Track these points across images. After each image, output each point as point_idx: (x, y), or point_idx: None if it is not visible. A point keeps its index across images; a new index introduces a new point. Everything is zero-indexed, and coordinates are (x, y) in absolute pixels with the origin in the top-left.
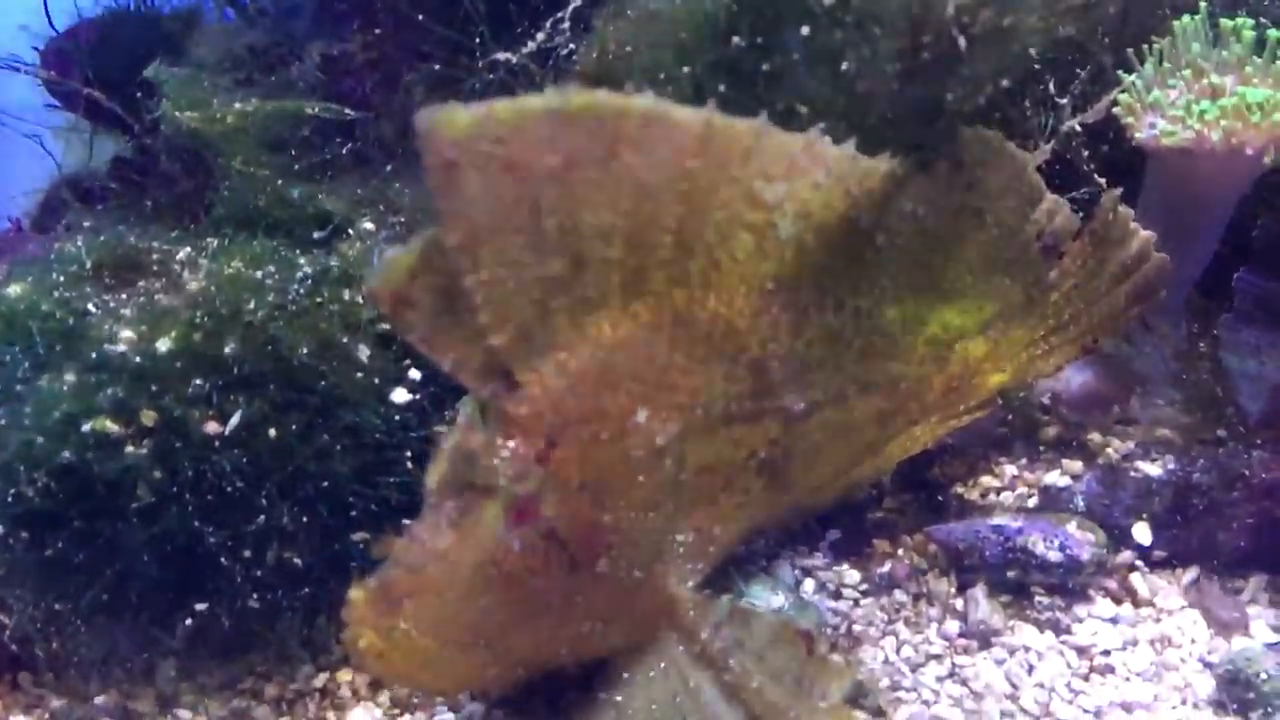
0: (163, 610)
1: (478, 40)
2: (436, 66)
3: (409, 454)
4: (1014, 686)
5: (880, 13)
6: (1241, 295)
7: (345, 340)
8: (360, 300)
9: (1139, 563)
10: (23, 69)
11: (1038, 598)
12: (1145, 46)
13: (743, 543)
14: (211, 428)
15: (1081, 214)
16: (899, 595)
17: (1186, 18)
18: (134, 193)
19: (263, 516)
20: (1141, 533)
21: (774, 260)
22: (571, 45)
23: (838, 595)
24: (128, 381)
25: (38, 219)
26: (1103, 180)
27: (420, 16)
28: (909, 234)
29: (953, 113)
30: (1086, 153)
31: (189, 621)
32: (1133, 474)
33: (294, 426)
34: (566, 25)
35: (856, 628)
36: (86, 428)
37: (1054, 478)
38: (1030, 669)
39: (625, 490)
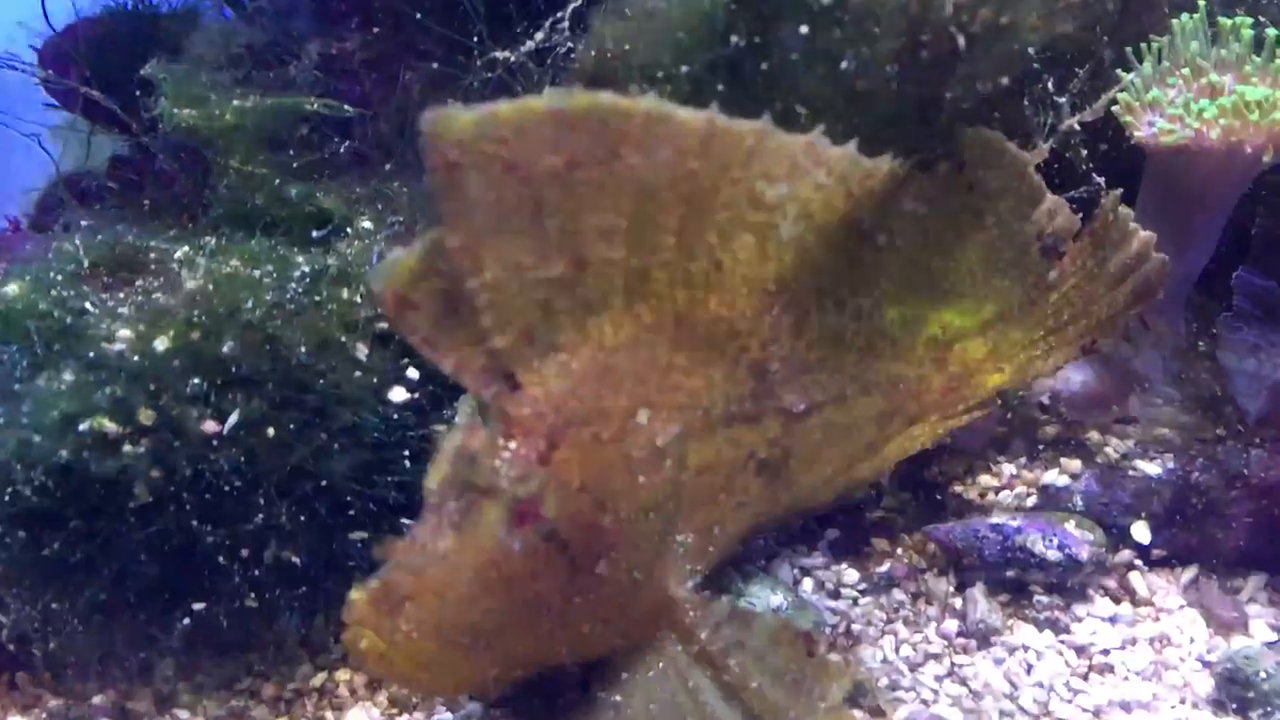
0: (160, 609)
1: (476, 39)
2: (435, 65)
3: (407, 453)
4: (1013, 686)
5: (879, 11)
6: (1240, 294)
7: (343, 339)
8: (358, 299)
9: (1138, 562)
10: (20, 68)
11: (1036, 597)
12: (1144, 45)
13: (742, 542)
14: (209, 427)
15: (1080, 213)
16: (898, 594)
17: (1185, 16)
18: (132, 192)
19: (261, 515)
20: (1140, 532)
21: (775, 261)
22: (570, 45)
23: (836, 594)
24: (125, 381)
25: (35, 218)
26: (1101, 179)
27: (418, 15)
28: (909, 234)
29: (951, 111)
30: (1085, 151)
31: (187, 621)
32: (1132, 473)
33: (292, 425)
34: (565, 25)
35: (855, 627)
36: (84, 427)
37: (1053, 477)
38: (1029, 668)
39: (626, 491)
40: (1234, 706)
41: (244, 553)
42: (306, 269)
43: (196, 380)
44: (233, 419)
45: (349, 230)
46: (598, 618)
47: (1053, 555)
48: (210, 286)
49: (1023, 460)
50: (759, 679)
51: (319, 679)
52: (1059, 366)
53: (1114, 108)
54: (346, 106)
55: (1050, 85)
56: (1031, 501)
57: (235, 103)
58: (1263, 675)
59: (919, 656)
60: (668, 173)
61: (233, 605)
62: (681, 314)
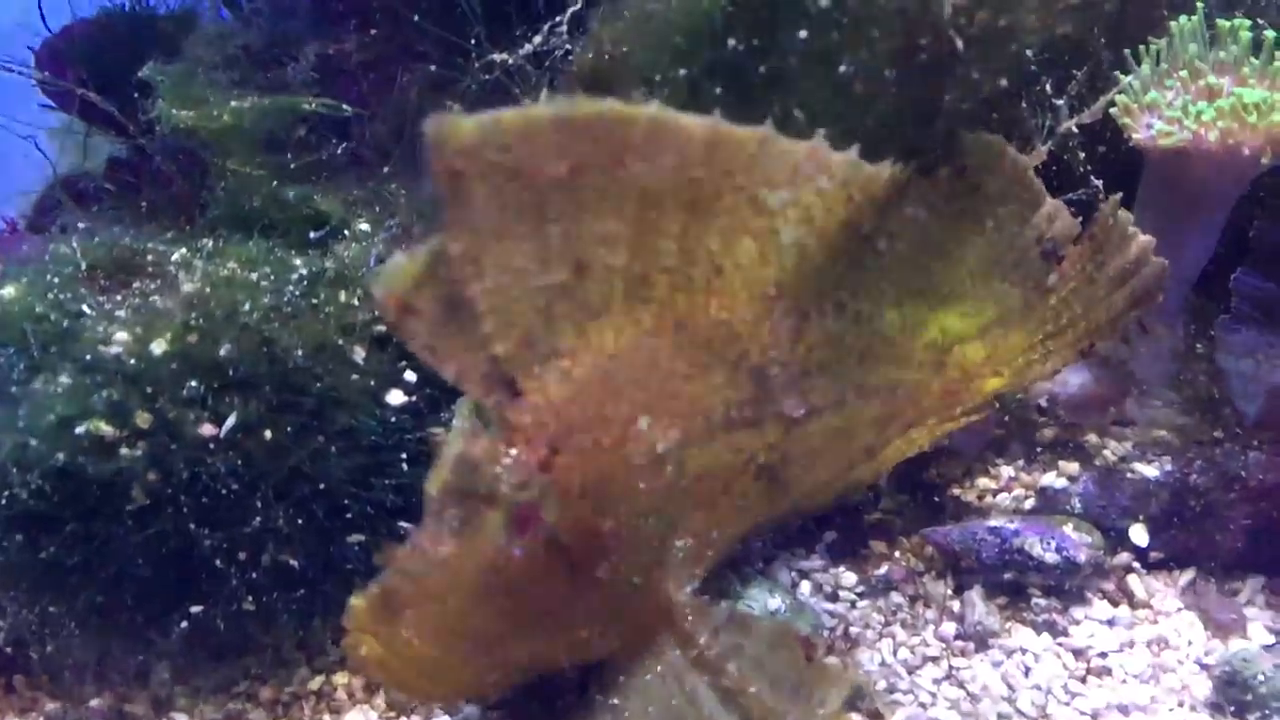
0: (158, 612)
1: (474, 41)
2: (432, 67)
3: (404, 456)
4: (1011, 688)
5: (877, 14)
6: (1239, 296)
7: (341, 342)
8: (356, 302)
9: (1136, 564)
10: (17, 69)
11: (1034, 599)
12: (1142, 47)
13: (739, 545)
14: (206, 430)
15: (1079, 217)
16: (896, 597)
17: (1184, 18)
18: (129, 193)
19: (258, 519)
20: (1138, 534)
21: (776, 266)
22: (568, 48)
23: (834, 597)
24: (122, 383)
25: (32, 220)
26: (1099, 181)
27: (416, 17)
28: (910, 238)
29: (950, 114)
30: (1083, 154)
31: (184, 624)
32: (1129, 476)
33: (289, 428)
34: (564, 29)
35: (853, 630)
36: (81, 430)
37: (1051, 479)
38: (1027, 671)
39: (626, 497)
40: (1232, 709)
41: (241, 556)
42: (304, 271)
43: (194, 383)
44: (230, 422)
45: (346, 232)
46: (597, 622)
47: (1051, 558)
48: (208, 289)
49: (1021, 463)
50: (757, 684)
51: (316, 682)
52: (1057, 370)
53: (1112, 110)
54: (345, 106)
55: (1049, 87)
56: (1029, 504)
57: (233, 104)
58: (1260, 678)
59: (917, 659)
60: (671, 179)
61: (230, 608)
62: (682, 319)
